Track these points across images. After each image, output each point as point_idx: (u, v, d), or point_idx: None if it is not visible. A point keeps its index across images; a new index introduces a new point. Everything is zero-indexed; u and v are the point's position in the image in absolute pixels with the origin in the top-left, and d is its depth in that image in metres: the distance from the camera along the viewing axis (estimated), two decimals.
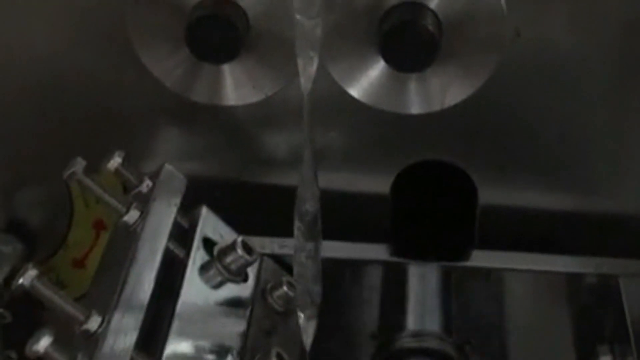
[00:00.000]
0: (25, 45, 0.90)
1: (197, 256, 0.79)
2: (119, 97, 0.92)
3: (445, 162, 0.92)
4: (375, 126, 0.90)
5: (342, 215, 0.88)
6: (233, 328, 0.78)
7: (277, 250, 0.89)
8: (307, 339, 0.77)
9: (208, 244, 0.80)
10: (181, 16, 0.80)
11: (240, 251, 0.78)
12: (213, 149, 0.94)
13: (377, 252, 0.94)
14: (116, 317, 0.69)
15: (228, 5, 0.80)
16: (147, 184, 0.82)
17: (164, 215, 0.80)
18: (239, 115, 0.91)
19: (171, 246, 0.78)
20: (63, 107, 0.93)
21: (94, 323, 0.69)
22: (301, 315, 0.76)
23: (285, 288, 0.84)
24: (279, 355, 0.77)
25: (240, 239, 0.79)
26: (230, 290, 0.79)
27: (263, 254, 0.85)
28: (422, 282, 0.93)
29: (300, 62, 0.73)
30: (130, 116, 0.92)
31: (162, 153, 0.93)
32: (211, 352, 0.75)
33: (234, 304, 0.79)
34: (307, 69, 0.74)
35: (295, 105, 0.86)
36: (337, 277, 0.91)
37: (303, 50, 0.73)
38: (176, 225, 0.80)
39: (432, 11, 0.79)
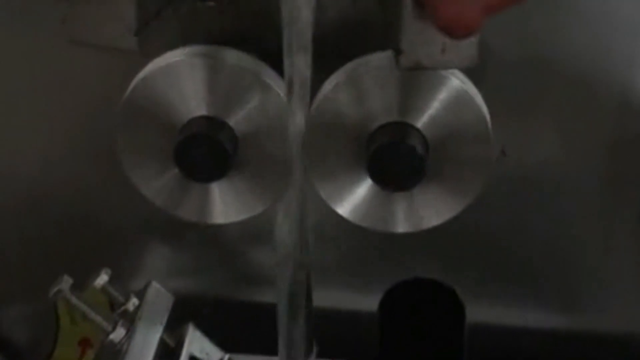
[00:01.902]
0: (14, 161, 0.91)
1: None
2: (107, 213, 0.92)
3: (433, 280, 0.93)
4: (363, 244, 0.90)
5: (329, 333, 0.88)
6: None
7: None
8: None
9: None
10: (170, 136, 0.81)
11: None
12: (200, 266, 0.94)
13: None
14: None
15: (217, 125, 0.80)
16: (133, 302, 0.82)
17: (150, 334, 0.79)
18: (227, 233, 0.92)
19: None
20: (50, 222, 0.93)
21: None
22: None
23: None
24: None
25: (227, 357, 0.78)
26: None
27: None
28: None
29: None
30: (118, 233, 0.93)
31: (150, 269, 0.93)
32: None
33: None
34: (296, 197, 0.75)
35: None
36: None
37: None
38: (162, 343, 0.80)
39: (419, 131, 0.80)
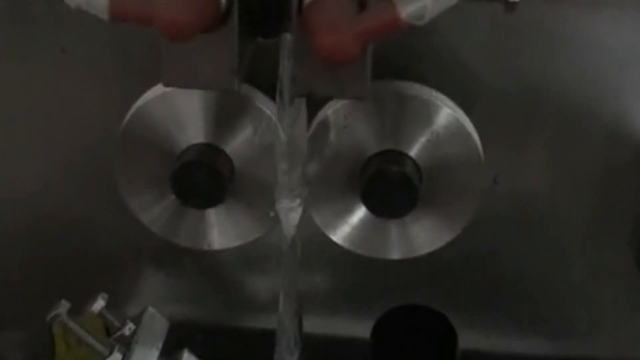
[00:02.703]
0: (12, 186, 0.91)
1: None
2: (104, 239, 0.93)
3: (425, 307, 0.93)
4: (356, 270, 0.91)
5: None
6: None
7: None
8: None
9: None
10: (167, 163, 0.82)
11: None
12: (196, 292, 0.95)
13: None
14: None
15: (213, 152, 0.82)
16: (129, 327, 0.83)
17: (146, 359, 0.80)
18: (222, 259, 0.92)
19: None
20: (48, 247, 0.94)
21: None
22: None
23: None
24: None
25: None
26: None
27: None
28: None
29: (281, 208, 0.75)
30: (115, 258, 0.94)
31: (146, 295, 0.94)
32: None
33: None
34: (290, 216, 0.76)
35: (277, 250, 0.88)
36: None
37: (285, 197, 0.75)
38: None
39: (412, 159, 0.81)
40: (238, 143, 0.82)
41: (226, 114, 0.82)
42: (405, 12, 0.57)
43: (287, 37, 0.67)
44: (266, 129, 0.81)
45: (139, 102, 0.82)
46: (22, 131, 0.89)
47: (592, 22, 0.82)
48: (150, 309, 0.85)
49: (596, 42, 0.83)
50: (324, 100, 0.81)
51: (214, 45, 0.64)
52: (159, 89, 0.82)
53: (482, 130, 0.83)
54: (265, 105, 0.81)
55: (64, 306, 0.81)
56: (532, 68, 0.85)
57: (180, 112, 0.82)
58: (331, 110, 0.81)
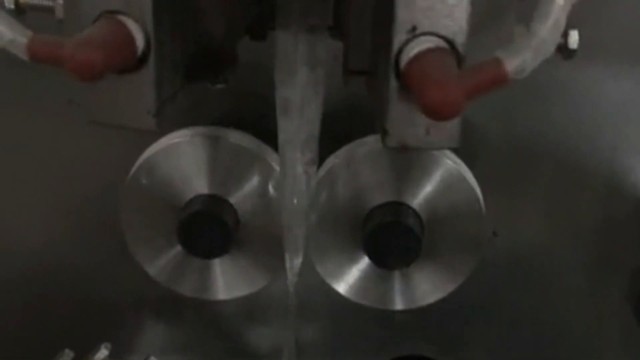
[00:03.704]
0: (15, 234, 0.92)
1: None
2: (108, 288, 0.93)
3: (427, 358, 0.94)
4: (359, 320, 0.91)
5: None
6: None
7: None
8: None
9: None
10: (173, 213, 0.83)
11: None
12: (197, 342, 0.95)
13: None
14: None
15: (219, 203, 0.83)
16: None
17: None
18: (224, 309, 0.93)
19: None
20: (52, 296, 0.94)
21: None
22: None
23: None
24: None
25: None
26: None
27: None
28: None
29: (286, 256, 0.76)
30: (118, 308, 0.94)
31: (148, 345, 0.94)
32: None
33: None
34: (294, 263, 0.77)
35: (279, 300, 0.89)
36: None
37: (289, 246, 0.76)
38: None
39: (414, 211, 0.82)
40: (243, 194, 0.83)
41: (231, 166, 0.83)
42: (511, 66, 0.57)
43: (287, 93, 0.68)
44: (272, 181, 0.82)
45: (145, 154, 0.83)
46: (28, 181, 0.90)
47: (588, 77, 0.84)
48: (153, 359, 0.86)
49: (592, 97, 0.85)
50: (331, 151, 0.82)
51: (132, 85, 0.64)
52: (164, 141, 0.83)
53: (482, 182, 0.84)
54: (271, 157, 0.82)
55: (67, 355, 0.82)
56: (530, 122, 0.86)
57: (186, 163, 0.83)
58: (334, 162, 0.82)
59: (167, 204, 0.83)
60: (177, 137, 0.82)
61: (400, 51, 0.61)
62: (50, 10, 0.69)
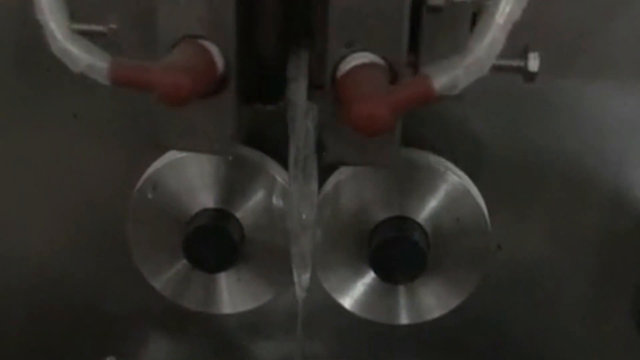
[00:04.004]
0: (22, 247, 0.92)
1: None
2: (113, 301, 0.94)
3: None
4: (364, 335, 0.92)
5: None
6: None
7: None
8: None
9: None
10: (179, 228, 0.83)
11: None
12: (202, 356, 0.95)
13: None
14: None
15: (224, 217, 0.83)
16: None
17: None
18: (229, 323, 0.93)
19: None
20: (56, 309, 0.95)
21: None
22: None
23: None
24: None
25: None
26: None
27: None
28: None
29: (295, 271, 0.76)
30: (123, 321, 0.94)
31: (153, 358, 0.94)
32: None
33: None
34: (302, 278, 0.77)
35: (284, 314, 0.89)
36: None
37: (297, 259, 0.76)
38: None
39: (420, 225, 0.82)
40: (248, 208, 0.83)
41: (237, 180, 0.83)
42: (439, 83, 0.58)
43: (303, 105, 0.68)
44: (277, 195, 0.82)
45: (151, 168, 0.83)
46: (34, 194, 0.91)
47: (594, 93, 0.84)
48: None
49: (598, 113, 0.85)
50: (334, 167, 0.82)
51: (212, 110, 0.65)
52: (170, 155, 0.83)
53: (486, 197, 0.84)
54: (276, 171, 0.82)
55: None
56: (535, 137, 0.86)
57: (192, 178, 0.83)
58: (340, 177, 0.82)
59: (172, 217, 0.83)
60: (182, 152, 0.83)
61: (336, 66, 0.62)
62: (100, 35, 0.68)
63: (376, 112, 0.56)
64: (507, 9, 0.57)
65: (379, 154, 0.65)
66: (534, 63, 0.69)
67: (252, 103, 0.70)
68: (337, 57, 0.62)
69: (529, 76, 0.69)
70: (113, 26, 0.69)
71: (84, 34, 0.66)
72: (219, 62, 0.62)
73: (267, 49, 0.69)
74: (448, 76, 0.58)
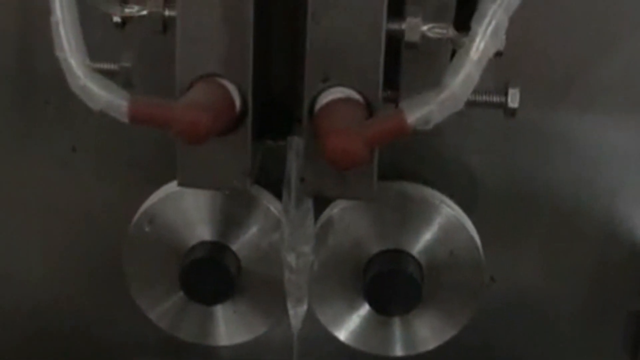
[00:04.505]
0: (19, 277, 0.93)
1: None
2: (108, 332, 0.94)
3: None
4: None
5: None
6: None
7: None
8: None
9: None
10: (175, 260, 0.83)
11: None
12: None
13: None
14: None
15: (221, 249, 0.83)
16: None
17: None
18: (225, 355, 0.93)
19: None
20: (54, 339, 0.95)
21: None
22: None
23: None
24: None
25: None
26: None
27: None
28: None
29: (289, 303, 0.77)
30: (119, 351, 0.94)
31: None
32: None
33: None
34: (297, 310, 0.77)
35: (279, 346, 0.89)
36: None
37: (292, 291, 0.77)
38: None
39: (414, 258, 0.83)
40: (245, 241, 0.84)
41: (233, 213, 0.83)
42: (412, 117, 0.58)
43: (295, 140, 0.69)
44: (273, 227, 0.83)
45: (148, 201, 0.84)
46: (33, 227, 0.91)
47: (587, 125, 0.85)
48: None
49: (591, 144, 0.86)
50: (330, 199, 0.83)
51: (229, 147, 0.65)
52: (167, 188, 0.84)
53: (480, 229, 0.85)
54: (272, 204, 0.83)
55: None
56: (529, 169, 0.87)
57: (188, 211, 0.84)
58: (335, 209, 0.83)
59: (169, 250, 0.84)
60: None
61: (313, 101, 0.63)
62: (114, 73, 0.69)
63: (350, 146, 0.56)
64: (482, 46, 0.58)
65: (356, 187, 0.66)
66: (514, 99, 0.70)
67: (263, 139, 0.72)
68: (314, 92, 0.63)
69: (510, 112, 0.70)
70: (126, 64, 0.69)
71: (98, 72, 0.67)
72: (237, 99, 0.63)
73: (279, 86, 0.70)
74: (422, 111, 0.58)
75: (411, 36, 0.64)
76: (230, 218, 0.84)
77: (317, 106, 0.63)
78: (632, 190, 0.88)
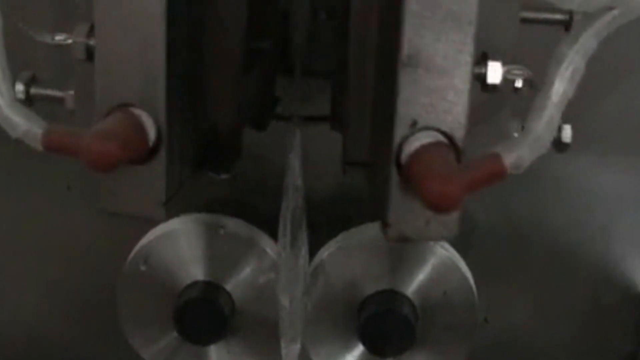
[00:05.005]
0: (12, 316, 0.93)
1: None
2: None
3: None
4: None
5: None
6: None
7: None
8: None
9: None
10: (169, 300, 0.83)
11: None
12: None
13: None
14: None
15: (215, 289, 0.83)
16: None
17: None
18: None
19: None
20: None
21: None
22: None
23: None
24: None
25: None
26: None
27: None
28: None
29: (283, 342, 0.77)
30: None
31: None
32: None
33: None
34: (290, 349, 0.77)
35: None
36: None
37: (286, 330, 0.77)
38: None
39: (409, 299, 0.83)
40: (238, 281, 0.84)
41: (227, 253, 0.84)
42: (509, 161, 0.59)
43: (297, 184, 0.70)
44: (267, 268, 0.83)
45: (143, 241, 0.84)
46: (28, 265, 0.91)
47: (580, 168, 0.86)
48: None
49: (584, 188, 0.86)
50: (323, 241, 0.83)
51: (143, 176, 0.65)
52: (162, 227, 0.84)
53: (474, 270, 0.85)
54: (266, 244, 0.83)
55: None
56: (522, 211, 0.87)
57: (183, 250, 0.84)
58: (330, 250, 0.83)
59: (163, 290, 0.84)
60: (174, 225, 0.83)
61: (400, 145, 0.63)
62: (60, 101, 0.70)
63: (451, 190, 0.56)
64: (561, 89, 0.59)
65: (441, 227, 0.66)
66: (567, 134, 0.70)
67: (204, 171, 0.72)
68: (400, 138, 0.63)
69: (563, 147, 0.70)
70: (71, 92, 0.70)
71: (44, 98, 0.70)
72: (151, 130, 0.63)
73: (217, 119, 0.71)
74: (516, 154, 0.59)
75: (493, 78, 0.65)
76: (225, 258, 0.84)
77: (407, 151, 0.62)
78: (626, 232, 0.88)
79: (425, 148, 0.61)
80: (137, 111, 0.62)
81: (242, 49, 0.70)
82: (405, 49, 0.61)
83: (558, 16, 0.69)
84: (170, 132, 0.64)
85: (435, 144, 0.62)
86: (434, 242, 0.82)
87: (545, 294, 0.90)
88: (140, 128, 0.62)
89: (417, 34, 0.61)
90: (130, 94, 0.63)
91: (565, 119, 0.80)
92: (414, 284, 0.83)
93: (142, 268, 0.84)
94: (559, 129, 0.69)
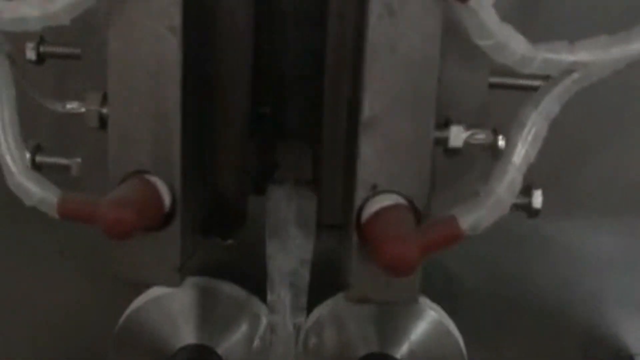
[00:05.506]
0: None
1: None
2: None
3: None
4: None
5: None
6: None
7: None
8: None
9: None
10: None
11: None
12: None
13: None
14: None
15: (206, 353, 0.84)
16: None
17: None
18: None
19: None
20: None
21: None
22: None
23: None
24: None
25: None
26: None
27: None
28: None
29: None
30: None
31: None
32: None
33: None
34: None
35: None
36: None
37: None
38: None
39: None
40: (230, 344, 0.84)
41: (218, 316, 0.84)
42: (465, 224, 0.60)
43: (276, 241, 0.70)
44: (259, 331, 0.83)
45: (134, 304, 0.85)
46: (20, 330, 0.91)
47: (569, 230, 0.86)
48: None
49: (573, 250, 0.86)
50: (314, 303, 0.83)
51: (158, 243, 0.66)
52: (153, 291, 0.84)
53: (463, 332, 0.85)
54: (257, 307, 0.83)
55: None
56: (510, 273, 0.88)
57: (174, 314, 0.84)
58: (321, 313, 0.83)
59: (155, 353, 0.84)
60: (165, 288, 0.84)
61: (361, 207, 0.63)
62: (65, 168, 0.70)
63: (406, 253, 0.57)
64: (523, 152, 0.60)
65: (399, 290, 0.66)
66: (537, 200, 0.71)
67: (210, 236, 0.73)
68: (361, 200, 0.64)
69: (533, 212, 0.71)
70: (78, 160, 0.71)
71: (50, 166, 0.70)
72: (166, 196, 0.64)
73: (224, 185, 0.72)
74: (473, 216, 0.60)
75: (455, 142, 0.66)
76: (216, 321, 0.84)
77: (366, 213, 0.63)
78: (616, 295, 0.88)
79: (384, 210, 0.62)
80: (153, 178, 0.63)
81: (246, 114, 0.71)
82: (366, 111, 0.62)
83: (526, 82, 0.69)
84: (184, 198, 0.65)
85: (394, 207, 0.62)
86: (422, 303, 0.83)
87: (534, 356, 0.90)
88: (155, 195, 0.63)
89: (377, 99, 0.62)
90: (144, 161, 0.64)
91: (554, 179, 0.82)
92: (404, 347, 0.83)
93: (134, 331, 0.84)
94: (530, 194, 0.69)
